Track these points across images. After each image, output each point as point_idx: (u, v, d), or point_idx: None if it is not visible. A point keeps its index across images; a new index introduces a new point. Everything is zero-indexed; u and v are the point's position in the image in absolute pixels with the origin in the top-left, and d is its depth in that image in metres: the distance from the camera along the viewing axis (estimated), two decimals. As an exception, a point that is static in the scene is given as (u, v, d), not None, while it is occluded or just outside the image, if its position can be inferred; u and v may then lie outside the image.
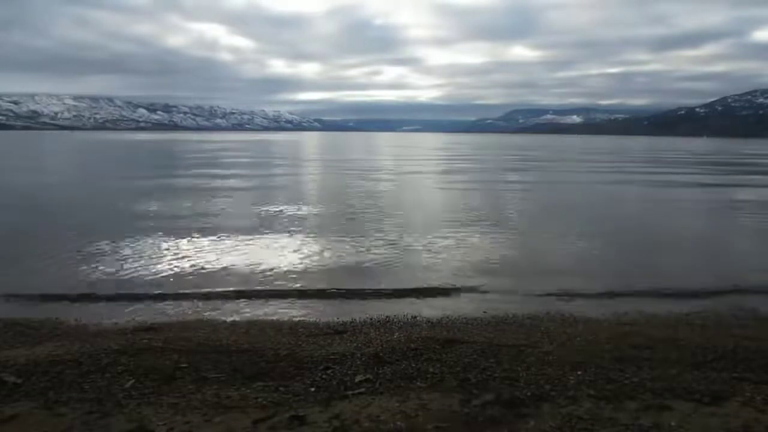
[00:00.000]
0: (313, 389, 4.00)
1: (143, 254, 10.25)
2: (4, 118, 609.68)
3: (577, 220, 15.71)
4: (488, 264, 9.91)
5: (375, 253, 10.51)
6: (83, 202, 18.23)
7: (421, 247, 11.09)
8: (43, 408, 3.59)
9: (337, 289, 8.26)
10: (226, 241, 11.49)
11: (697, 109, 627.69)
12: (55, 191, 21.40)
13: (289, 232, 12.76)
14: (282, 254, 10.43)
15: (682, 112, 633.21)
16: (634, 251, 11.39)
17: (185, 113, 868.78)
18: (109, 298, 7.74)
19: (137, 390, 3.95)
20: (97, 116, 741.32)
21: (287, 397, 3.86)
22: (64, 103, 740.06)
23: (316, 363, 4.61)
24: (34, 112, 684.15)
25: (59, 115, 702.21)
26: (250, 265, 9.60)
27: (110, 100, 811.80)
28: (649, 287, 8.45)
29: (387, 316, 6.76)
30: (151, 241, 11.38)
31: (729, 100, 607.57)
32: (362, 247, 11.10)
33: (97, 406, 3.64)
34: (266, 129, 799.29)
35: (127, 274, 8.94)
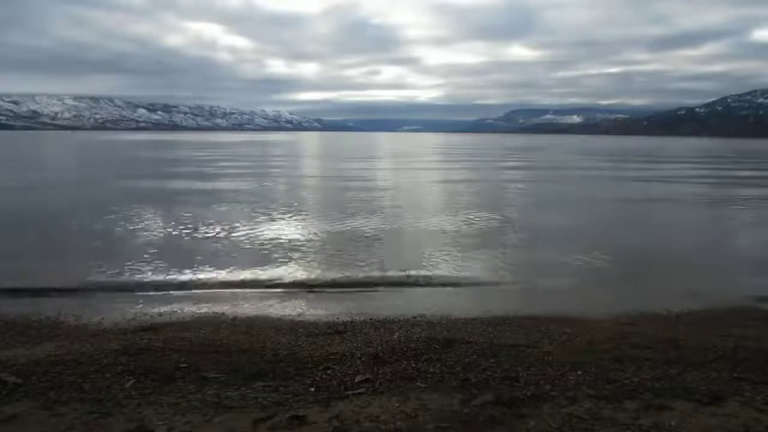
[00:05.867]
0: (313, 389, 4.00)
1: (143, 254, 10.25)
2: (4, 118, 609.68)
3: (578, 220, 15.70)
4: (488, 263, 9.91)
5: (375, 253, 10.51)
6: (82, 203, 18.22)
7: (421, 247, 11.09)
8: (43, 408, 3.59)
9: (337, 289, 8.27)
10: (226, 241, 11.49)
11: (697, 109, 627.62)
12: (55, 192, 21.39)
13: (288, 232, 12.77)
14: (282, 254, 10.42)
15: (682, 112, 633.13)
16: (636, 251, 11.40)
17: (185, 113, 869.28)
18: (109, 298, 7.74)
19: (137, 390, 3.95)
20: (97, 116, 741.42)
21: (287, 397, 3.86)
22: (64, 103, 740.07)
23: (316, 363, 4.61)
24: (34, 112, 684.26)
25: (59, 115, 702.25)
26: (251, 264, 9.60)
27: (110, 100, 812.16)
28: (650, 287, 8.46)
29: (387, 316, 6.76)
30: (150, 242, 11.39)
31: (729, 100, 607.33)
32: (362, 246, 11.10)
33: (97, 406, 3.64)
34: (266, 129, 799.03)
35: (127, 274, 8.94)
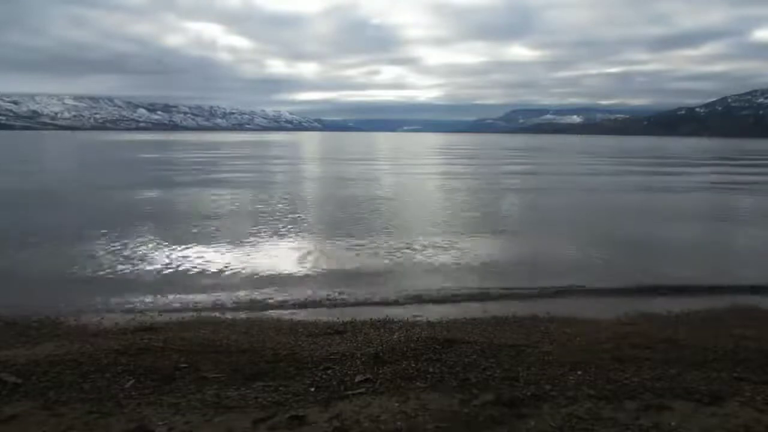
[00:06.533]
0: (313, 389, 4.00)
1: (143, 255, 10.26)
2: (4, 118, 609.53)
3: (577, 219, 15.71)
4: (488, 264, 9.91)
5: (375, 253, 10.52)
6: (82, 203, 18.22)
7: (420, 247, 11.09)
8: (43, 408, 3.59)
9: (336, 288, 8.26)
10: (226, 242, 11.50)
11: (697, 109, 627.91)
12: (53, 193, 21.39)
13: (288, 233, 12.78)
14: (282, 255, 10.44)
15: (682, 112, 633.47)
16: (635, 251, 11.39)
17: (185, 113, 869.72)
18: (109, 298, 7.74)
19: (137, 390, 3.95)
20: (97, 116, 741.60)
21: (287, 397, 3.86)
22: (64, 103, 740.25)
23: (316, 363, 4.60)
24: (34, 112, 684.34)
25: (59, 115, 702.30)
26: (250, 265, 9.60)
27: (110, 100, 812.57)
28: (650, 287, 8.46)
29: (387, 317, 6.76)
30: (151, 243, 11.39)
31: (729, 100, 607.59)
32: (362, 246, 11.11)
33: (97, 406, 3.64)
34: (266, 129, 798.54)
35: (127, 275, 8.94)
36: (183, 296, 7.86)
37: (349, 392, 3.92)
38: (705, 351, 5.02)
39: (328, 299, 7.83)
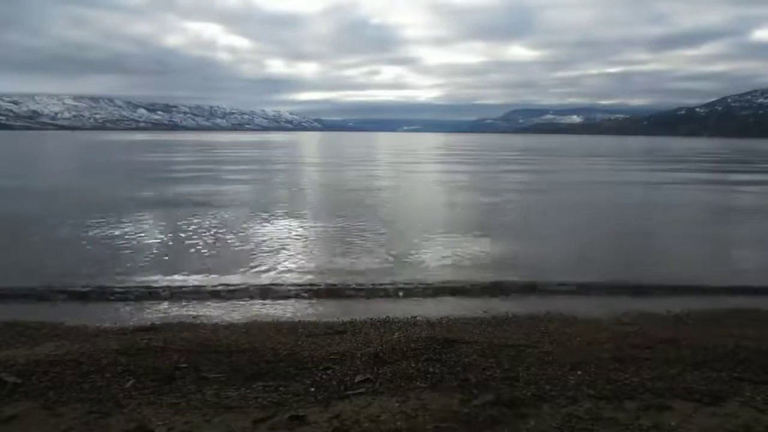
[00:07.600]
0: (313, 389, 4.00)
1: (143, 255, 10.26)
2: (4, 118, 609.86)
3: (577, 219, 15.69)
4: (488, 264, 9.91)
5: (374, 253, 10.51)
6: (82, 202, 18.22)
7: (420, 247, 11.09)
8: (43, 408, 3.58)
9: (337, 289, 8.27)
10: (226, 242, 11.50)
11: (697, 109, 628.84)
12: (53, 190, 21.39)
13: (288, 232, 12.78)
14: (282, 254, 10.43)
15: (682, 112, 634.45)
16: (637, 250, 11.39)
17: (185, 113, 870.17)
18: (109, 298, 7.74)
19: (137, 390, 3.94)
20: (97, 116, 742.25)
21: (287, 397, 3.86)
22: (64, 103, 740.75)
23: (316, 363, 4.60)
24: (34, 112, 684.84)
25: (59, 115, 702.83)
26: (250, 265, 9.60)
27: (110, 100, 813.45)
28: (650, 287, 8.46)
29: (387, 316, 6.76)
30: (151, 242, 11.39)
31: (729, 100, 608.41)
32: (361, 246, 11.10)
33: (97, 406, 3.64)
34: (266, 129, 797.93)
35: (127, 275, 8.94)
36: (183, 296, 7.87)
37: (349, 392, 3.92)
38: (705, 351, 5.02)
39: (326, 292, 7.85)
